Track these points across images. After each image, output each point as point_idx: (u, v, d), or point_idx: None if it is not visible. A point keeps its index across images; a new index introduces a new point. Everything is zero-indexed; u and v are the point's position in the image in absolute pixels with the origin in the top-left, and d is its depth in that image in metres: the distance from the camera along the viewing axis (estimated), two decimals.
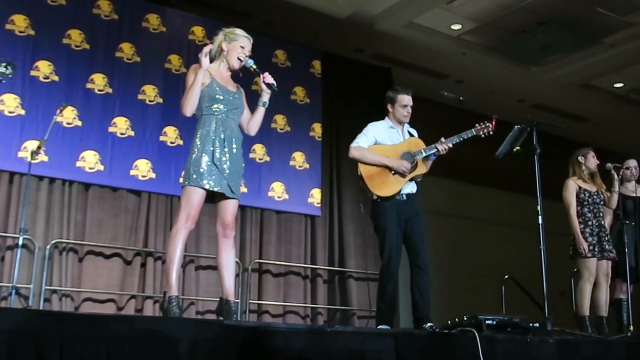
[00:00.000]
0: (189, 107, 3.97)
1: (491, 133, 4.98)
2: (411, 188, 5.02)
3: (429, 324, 4.64)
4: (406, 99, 5.10)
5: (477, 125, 5.01)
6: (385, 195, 4.91)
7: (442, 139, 4.96)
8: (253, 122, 4.24)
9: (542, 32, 8.46)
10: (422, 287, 4.84)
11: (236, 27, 4.24)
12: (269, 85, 4.17)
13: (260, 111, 4.23)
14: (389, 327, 4.75)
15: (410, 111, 5.12)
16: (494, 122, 4.95)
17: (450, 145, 4.93)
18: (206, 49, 4.02)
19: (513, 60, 9.34)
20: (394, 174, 4.93)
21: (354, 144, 5.02)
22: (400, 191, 4.92)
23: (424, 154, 4.97)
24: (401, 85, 5.35)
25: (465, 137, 5.00)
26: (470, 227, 10.58)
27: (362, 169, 4.97)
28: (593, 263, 5.81)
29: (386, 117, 5.18)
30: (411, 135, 5.20)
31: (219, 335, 3.10)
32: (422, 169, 4.99)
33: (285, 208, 7.87)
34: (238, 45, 4.13)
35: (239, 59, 4.12)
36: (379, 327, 4.77)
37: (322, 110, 8.41)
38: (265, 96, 4.21)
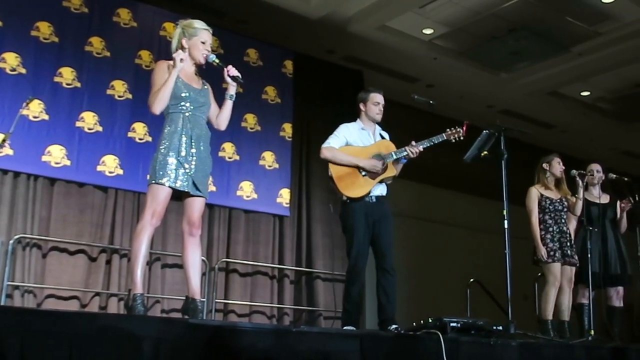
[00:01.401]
0: (160, 105, 3.93)
1: (462, 138, 5.02)
2: (381, 190, 5.04)
3: (393, 326, 4.66)
4: (378, 97, 5.15)
5: (447, 130, 5.05)
6: (354, 196, 4.92)
7: (413, 143, 4.99)
8: (222, 116, 4.21)
9: (512, 39, 8.56)
10: (388, 290, 4.86)
11: (210, 25, 4.21)
12: (234, 78, 4.13)
13: (228, 105, 4.20)
14: (354, 329, 4.76)
15: (382, 109, 5.15)
16: (464, 128, 4.99)
17: (421, 149, 4.96)
18: (181, 55, 3.97)
19: (483, 66, 9.44)
20: (364, 176, 4.94)
21: (325, 145, 5.03)
22: (369, 193, 4.93)
23: (395, 157, 4.99)
24: (373, 87, 5.39)
25: (436, 142, 5.03)
26: (437, 231, 10.66)
27: (333, 170, 4.98)
28: (557, 268, 5.89)
29: (358, 119, 5.20)
30: (382, 137, 5.22)
31: (184, 334, 3.07)
32: (391, 171, 5.01)
33: (253, 207, 7.84)
34: (199, 41, 4.09)
35: (202, 54, 4.10)
36: (344, 328, 4.77)
37: (293, 110, 8.40)
38: (232, 89, 4.18)
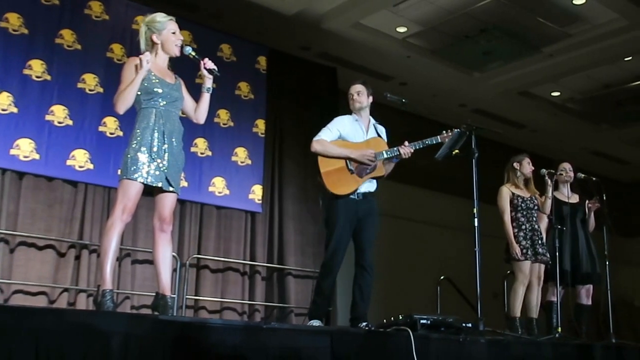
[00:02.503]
0: (123, 106, 3.90)
1: None
2: (369, 187, 4.97)
3: (364, 324, 4.65)
4: (351, 88, 5.13)
5: (443, 132, 5.03)
6: (340, 193, 4.86)
7: (406, 143, 4.94)
8: (200, 110, 4.20)
9: (485, 39, 8.64)
10: (364, 288, 4.83)
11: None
12: (210, 71, 4.11)
13: (206, 97, 4.19)
14: (320, 323, 4.79)
15: (354, 99, 5.07)
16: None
17: (412, 150, 4.92)
18: (147, 57, 3.93)
19: (456, 64, 9.50)
20: (352, 173, 4.89)
21: (316, 138, 4.93)
22: (356, 190, 4.88)
23: (385, 156, 4.94)
24: (348, 84, 5.36)
25: (429, 144, 5.01)
26: (408, 228, 10.71)
27: (321, 166, 4.90)
28: (527, 266, 5.97)
29: (353, 112, 5.14)
30: (378, 133, 5.14)
31: (153, 330, 3.05)
32: (380, 171, 4.96)
33: (225, 204, 7.81)
34: (169, 32, 4.06)
35: (176, 45, 4.07)
36: (310, 321, 4.78)
37: (266, 106, 8.37)
38: (208, 82, 4.16)
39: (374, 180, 5.01)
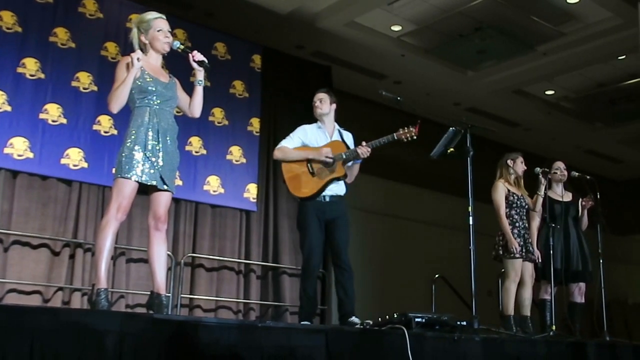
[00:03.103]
0: (117, 105, 3.91)
1: (414, 138, 4.99)
2: (336, 190, 5.08)
3: (354, 318, 4.76)
4: (315, 96, 5.26)
5: (400, 130, 5.03)
6: (302, 196, 5.04)
7: (363, 143, 5.02)
8: (194, 104, 4.18)
9: (479, 38, 8.65)
10: (346, 285, 4.95)
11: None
12: (200, 63, 4.07)
13: (199, 91, 4.16)
14: (309, 324, 4.87)
15: (316, 106, 5.22)
16: (417, 127, 4.96)
17: (369, 150, 4.97)
18: (137, 55, 3.92)
19: (450, 63, 9.52)
20: (313, 176, 5.02)
21: (277, 146, 5.17)
22: (320, 192, 4.99)
23: (344, 157, 5.03)
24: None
25: (387, 142, 5.02)
26: (403, 226, 10.74)
27: (284, 171, 5.12)
28: (519, 264, 5.98)
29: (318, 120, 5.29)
30: (342, 138, 5.23)
31: (148, 329, 3.05)
32: (340, 171, 5.04)
33: (220, 202, 7.80)
34: (155, 31, 4.05)
35: (165, 43, 4.06)
36: (300, 323, 4.87)
37: (261, 105, 8.37)
38: (200, 75, 4.13)
39: (342, 183, 5.12)
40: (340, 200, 5.09)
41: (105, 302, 3.70)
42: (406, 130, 5.00)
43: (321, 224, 4.99)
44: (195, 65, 4.09)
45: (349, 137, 5.29)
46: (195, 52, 4.10)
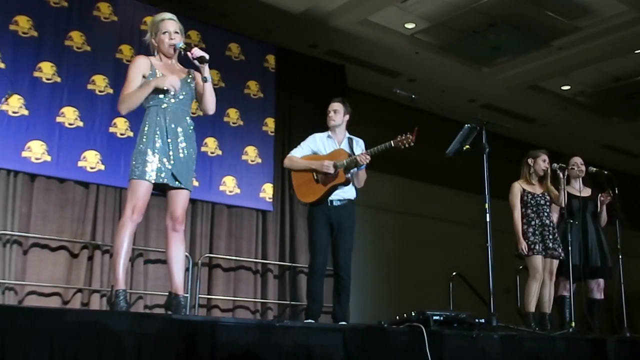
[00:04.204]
0: (126, 109, 3.98)
1: (412, 144, 5.00)
2: (343, 194, 5.24)
3: (342, 323, 4.96)
4: (330, 105, 5.42)
5: (398, 137, 5.05)
6: (307, 201, 5.32)
7: (364, 150, 5.20)
8: (204, 101, 4.14)
9: (493, 34, 8.61)
10: (340, 293, 5.15)
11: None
12: (200, 59, 3.99)
13: (207, 87, 4.10)
14: (313, 322, 5.00)
15: (330, 116, 5.37)
16: (414, 134, 4.97)
17: (369, 156, 5.07)
18: (172, 83, 3.93)
19: (464, 60, 9.48)
20: (317, 183, 5.21)
21: (288, 155, 5.44)
22: (324, 198, 5.18)
23: (345, 164, 5.15)
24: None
25: (385, 149, 5.08)
26: (419, 224, 10.70)
27: (293, 179, 5.43)
28: (539, 261, 5.94)
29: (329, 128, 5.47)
30: (351, 145, 5.34)
31: (166, 330, 3.07)
32: (341, 178, 5.18)
33: (236, 202, 7.83)
34: (161, 33, 4.08)
35: (169, 45, 4.07)
36: (305, 321, 5.03)
37: (276, 105, 8.39)
38: (204, 71, 4.04)
39: (349, 188, 5.26)
40: (348, 205, 5.28)
41: (124, 303, 3.73)
42: (403, 137, 5.03)
43: (327, 228, 5.19)
44: (196, 62, 4.02)
45: (359, 144, 5.42)
46: (194, 49, 4.04)
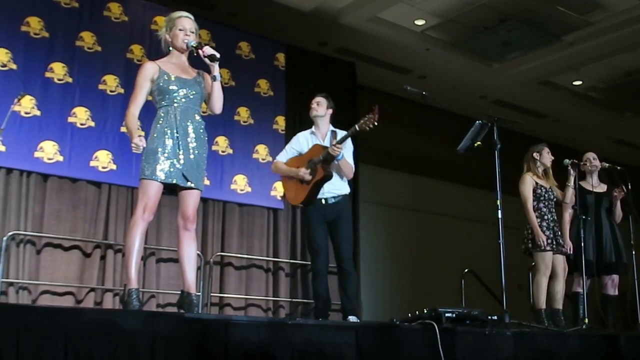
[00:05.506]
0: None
1: (376, 123, 4.92)
2: (337, 190, 5.22)
3: (352, 317, 4.97)
4: (314, 99, 5.44)
5: (360, 120, 5.00)
6: (294, 203, 5.45)
7: (333, 141, 5.16)
8: (212, 100, 4.11)
9: (504, 29, 8.56)
10: (346, 285, 5.14)
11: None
12: (211, 58, 3.97)
13: (215, 86, 4.08)
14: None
15: (313, 107, 5.39)
16: (375, 113, 4.88)
17: (339, 146, 5.01)
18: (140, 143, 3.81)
19: (475, 56, 9.44)
20: (302, 184, 5.23)
21: (275, 160, 5.52)
22: (311, 196, 5.18)
23: (321, 159, 5.14)
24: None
25: (350, 135, 5.09)
26: (430, 221, 10.68)
27: (282, 184, 5.55)
28: (550, 257, 5.91)
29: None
30: (336, 138, 5.27)
31: (179, 328, 3.08)
32: (319, 174, 5.16)
33: (247, 201, 7.84)
34: (177, 29, 4.07)
35: (183, 41, 4.05)
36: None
37: (286, 103, 8.39)
38: (214, 70, 4.03)
39: (338, 182, 5.23)
40: (343, 200, 5.26)
41: (136, 302, 3.74)
42: (366, 119, 4.95)
43: (324, 225, 5.20)
44: (207, 61, 4.00)
45: (343, 135, 5.26)
46: (205, 47, 4.01)
